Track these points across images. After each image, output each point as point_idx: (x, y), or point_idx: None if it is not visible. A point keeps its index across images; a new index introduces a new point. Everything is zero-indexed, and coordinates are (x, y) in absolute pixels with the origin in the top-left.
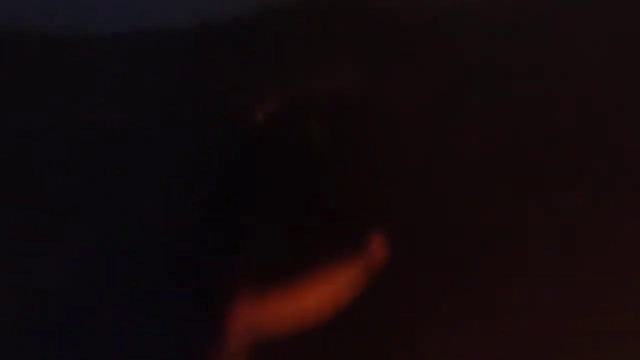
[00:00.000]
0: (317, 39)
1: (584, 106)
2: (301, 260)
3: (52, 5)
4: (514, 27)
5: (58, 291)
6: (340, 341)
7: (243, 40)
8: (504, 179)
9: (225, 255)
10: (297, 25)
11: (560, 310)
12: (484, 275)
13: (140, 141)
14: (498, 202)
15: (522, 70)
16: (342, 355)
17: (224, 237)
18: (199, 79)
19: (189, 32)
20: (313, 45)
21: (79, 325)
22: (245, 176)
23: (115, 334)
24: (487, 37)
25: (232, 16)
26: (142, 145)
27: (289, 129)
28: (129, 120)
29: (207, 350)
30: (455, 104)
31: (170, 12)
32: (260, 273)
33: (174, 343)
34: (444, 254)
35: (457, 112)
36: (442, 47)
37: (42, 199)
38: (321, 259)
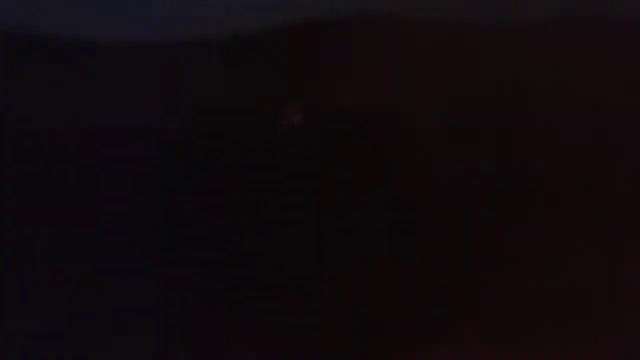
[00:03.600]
0: (339, 54)
1: (598, 123)
2: None
3: (83, 13)
4: (530, 47)
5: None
6: (341, 342)
7: (269, 53)
8: (515, 192)
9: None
10: (320, 41)
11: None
12: (485, 278)
13: (164, 146)
14: (505, 212)
15: (538, 89)
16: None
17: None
18: (226, 88)
19: (218, 43)
20: (335, 60)
21: None
22: (265, 183)
23: None
24: (503, 56)
25: (260, 30)
26: (164, 150)
27: (311, 139)
28: (154, 126)
29: None
30: (469, 121)
31: (201, 24)
32: None
33: None
34: (447, 258)
35: (470, 129)
36: (458, 64)
37: (52, 198)
38: None
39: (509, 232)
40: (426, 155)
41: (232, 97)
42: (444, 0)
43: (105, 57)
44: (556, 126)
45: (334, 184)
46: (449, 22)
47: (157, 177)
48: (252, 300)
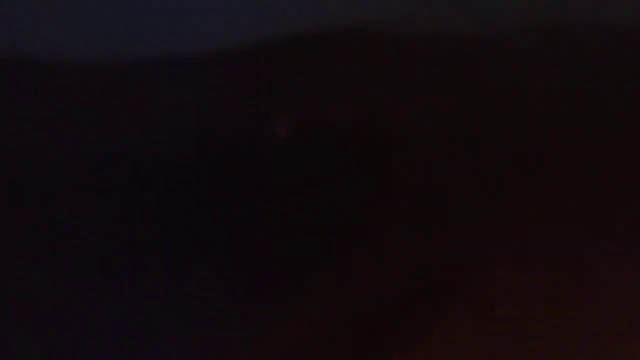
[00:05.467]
0: (328, 67)
1: (580, 131)
2: None
3: (66, 34)
4: (522, 58)
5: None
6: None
7: (254, 67)
8: (507, 196)
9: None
10: (307, 54)
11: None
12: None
13: (151, 162)
14: (498, 215)
15: (522, 97)
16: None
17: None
18: (211, 104)
19: (205, 58)
20: (325, 72)
21: None
22: (253, 193)
23: None
24: (494, 68)
25: (243, 44)
26: (152, 166)
27: (297, 151)
28: (141, 143)
29: None
30: (459, 132)
31: (184, 40)
32: None
33: None
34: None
35: (458, 138)
36: (444, 75)
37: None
38: None
39: (504, 234)
40: (413, 165)
41: (218, 111)
42: (428, 13)
43: (84, 77)
44: (538, 134)
45: (323, 193)
46: (434, 34)
47: (146, 193)
48: (251, 302)
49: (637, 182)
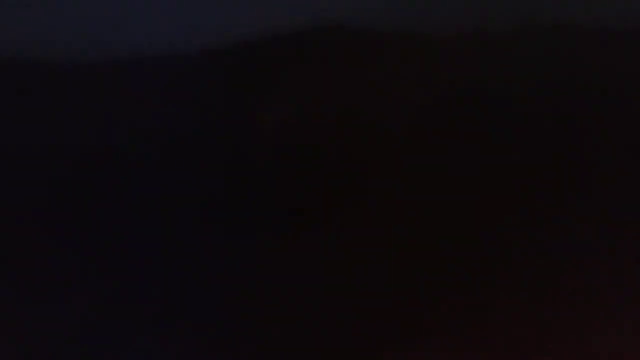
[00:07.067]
0: (306, 64)
1: (568, 130)
2: None
3: (54, 32)
4: (497, 55)
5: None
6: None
7: (240, 65)
8: (496, 195)
9: None
10: (288, 51)
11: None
12: (480, 278)
13: (141, 161)
14: (483, 215)
15: (507, 97)
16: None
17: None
18: (201, 102)
19: (190, 57)
20: (303, 70)
21: None
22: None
23: None
24: (468, 65)
25: (230, 42)
26: (143, 164)
27: (282, 148)
28: (126, 142)
29: None
30: (436, 129)
31: (172, 38)
32: None
33: None
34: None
35: (438, 136)
36: (427, 74)
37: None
38: None
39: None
40: (394, 163)
41: (203, 109)
42: (408, 10)
43: (73, 74)
44: (524, 133)
45: (308, 191)
46: (415, 31)
47: (132, 190)
48: (247, 299)
49: (636, 182)
